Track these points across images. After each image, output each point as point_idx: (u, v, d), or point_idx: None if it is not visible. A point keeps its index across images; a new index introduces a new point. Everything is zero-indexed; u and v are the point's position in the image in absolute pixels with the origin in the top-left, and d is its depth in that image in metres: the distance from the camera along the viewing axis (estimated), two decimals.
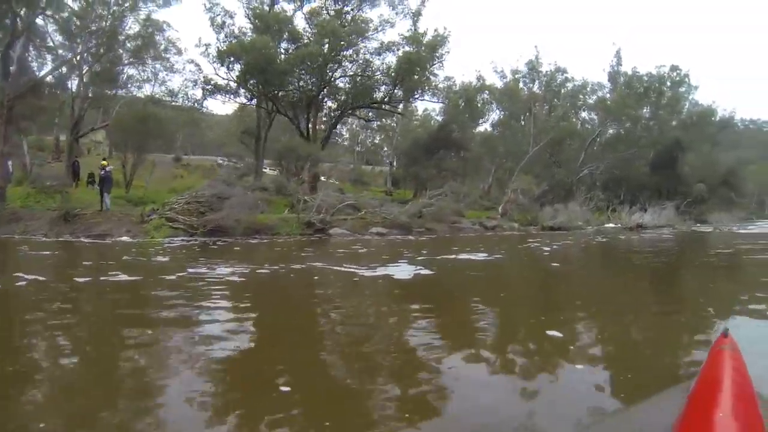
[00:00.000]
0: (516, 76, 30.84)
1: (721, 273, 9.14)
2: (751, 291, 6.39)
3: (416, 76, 20.63)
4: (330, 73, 20.60)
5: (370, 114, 27.81)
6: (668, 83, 33.21)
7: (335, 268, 7.49)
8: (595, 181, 27.79)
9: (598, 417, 2.28)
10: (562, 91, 30.80)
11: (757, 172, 46.88)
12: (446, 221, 17.14)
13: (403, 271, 7.26)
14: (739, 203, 37.63)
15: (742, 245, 14.18)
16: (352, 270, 7.28)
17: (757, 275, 8.64)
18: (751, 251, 12.34)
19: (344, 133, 41.18)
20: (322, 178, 22.38)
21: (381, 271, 7.12)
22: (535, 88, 30.76)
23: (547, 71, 30.36)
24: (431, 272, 7.32)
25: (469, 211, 19.84)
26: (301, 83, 20.67)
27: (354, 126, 39.16)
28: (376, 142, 42.47)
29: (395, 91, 21.79)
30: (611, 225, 20.43)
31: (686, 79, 33.59)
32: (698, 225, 25.28)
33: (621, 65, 32.66)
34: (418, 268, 7.52)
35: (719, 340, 2.39)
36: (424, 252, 10.13)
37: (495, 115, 31.64)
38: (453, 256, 9.44)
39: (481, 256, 9.76)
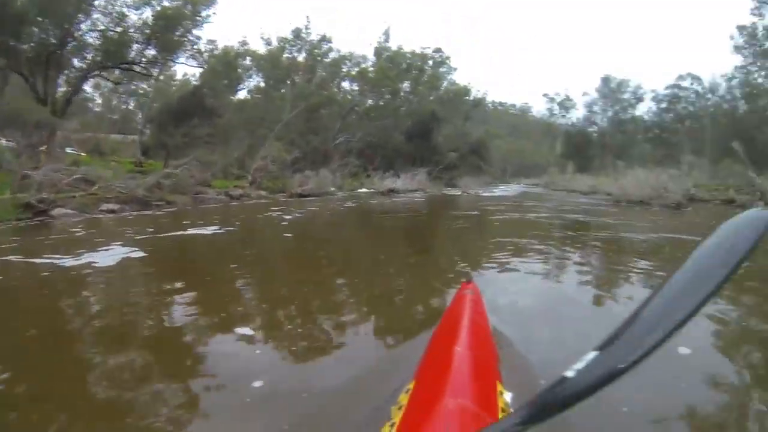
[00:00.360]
0: (281, 43, 29.80)
1: (467, 229, 10.11)
2: (494, 244, 7.41)
3: (174, 36, 18.31)
4: (77, 25, 16.89)
5: (120, 75, 23.47)
6: (430, 62, 36.68)
7: (32, 260, 5.52)
8: (351, 148, 28.98)
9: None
10: (325, 60, 31.02)
11: (502, 146, 56.93)
12: (189, 192, 15.24)
13: (111, 256, 5.68)
14: (486, 170, 45.29)
15: (485, 206, 15.74)
16: (52, 261, 5.35)
17: (499, 231, 9.59)
18: (494, 212, 13.54)
19: (97, 98, 34.64)
20: (66, 150, 18.07)
21: (86, 259, 5.44)
22: (301, 58, 30.29)
23: (311, 40, 29.99)
24: (144, 254, 5.87)
25: (216, 180, 18.21)
26: (42, 35, 16.41)
27: (107, 90, 33.15)
28: (131, 108, 37.02)
29: (150, 50, 19.04)
30: (364, 190, 21.25)
31: (447, 61, 37.18)
32: (449, 189, 27.78)
33: (388, 42, 34.67)
34: (133, 250, 6.09)
35: (463, 285, 2.54)
36: (151, 229, 8.42)
37: (254, 81, 30.42)
38: (181, 232, 8.25)
39: (210, 229, 8.54)
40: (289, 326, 3.32)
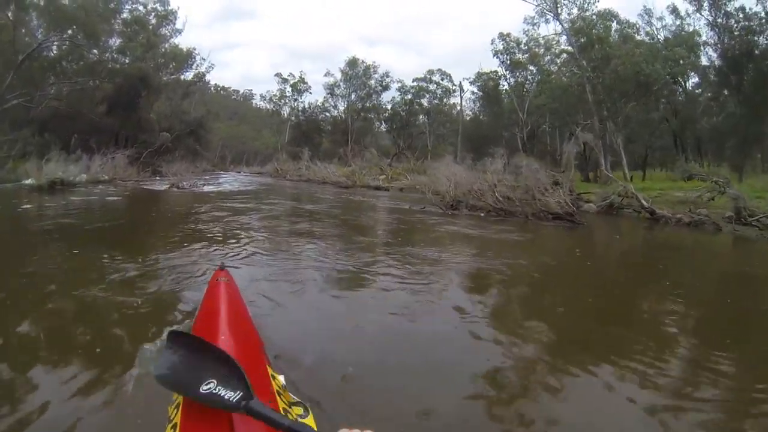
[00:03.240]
0: None
1: None
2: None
3: None
4: None
5: None
6: (153, 17, 29.59)
7: None
8: (32, 117, 20.43)
9: None
10: None
11: (222, 129, 52.69)
12: None
13: None
14: (204, 156, 40.27)
15: (214, 217, 8.99)
16: None
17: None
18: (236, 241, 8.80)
19: None
20: None
21: None
22: None
23: None
24: None
25: None
26: None
27: None
28: None
29: None
30: (29, 181, 13.99)
31: (172, 17, 30.65)
32: (154, 179, 21.81)
33: None
34: None
35: (216, 273, 2.44)
36: None
37: None
38: None
39: None
40: None
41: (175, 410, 1.22)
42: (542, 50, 30.63)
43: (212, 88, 54.93)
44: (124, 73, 24.69)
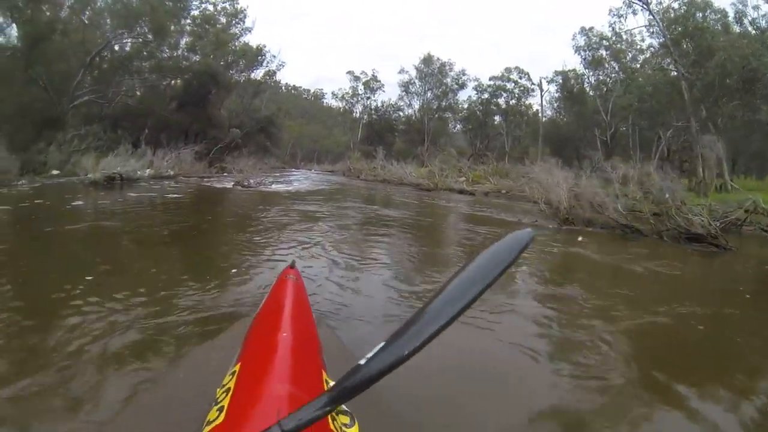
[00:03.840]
0: None
1: None
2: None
3: None
4: None
5: None
6: (222, 16, 29.83)
7: None
8: (104, 114, 20.73)
9: None
10: None
11: (294, 127, 53.17)
12: None
13: None
14: (274, 153, 40.35)
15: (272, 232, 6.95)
16: None
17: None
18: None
19: None
20: None
21: None
22: None
23: None
24: None
25: None
26: None
27: None
28: None
29: None
30: (89, 176, 13.53)
31: (242, 16, 30.51)
32: (224, 174, 20.43)
33: None
34: None
35: (285, 270, 2.41)
36: None
37: None
38: None
39: None
40: None
41: (224, 394, 1.20)
42: (624, 45, 27.01)
43: (283, 87, 55.69)
44: (192, 70, 24.48)
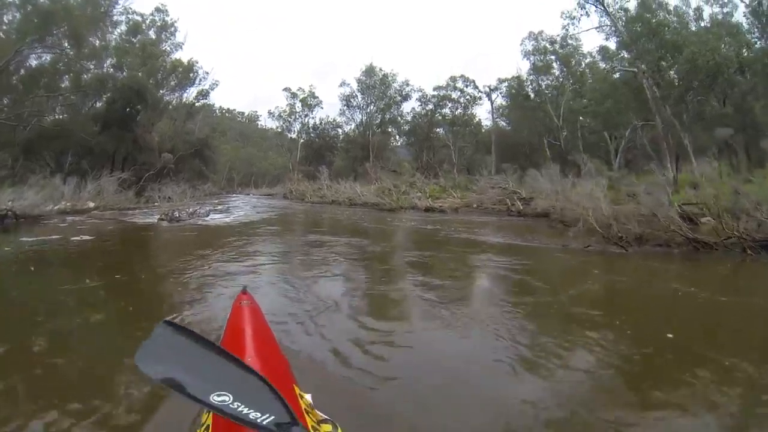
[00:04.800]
0: None
1: None
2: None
3: None
4: None
5: None
6: (152, 32, 27.52)
7: None
8: (16, 137, 17.82)
9: None
10: None
11: (228, 151, 50.51)
12: None
13: None
14: (210, 177, 37.57)
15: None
16: None
17: None
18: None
19: None
20: None
21: None
22: None
23: None
24: None
25: None
26: None
27: None
28: None
29: None
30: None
31: (172, 29, 28.29)
32: (155, 204, 17.90)
33: None
34: None
35: (239, 296, 2.38)
36: None
37: None
38: None
39: None
40: None
41: (207, 414, 1.25)
42: (570, 50, 27.99)
43: (217, 111, 52.75)
44: (115, 86, 21.81)
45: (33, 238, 8.83)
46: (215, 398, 0.99)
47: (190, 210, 14.14)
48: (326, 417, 1.40)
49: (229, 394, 1.00)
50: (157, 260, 7.56)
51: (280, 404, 1.02)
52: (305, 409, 1.34)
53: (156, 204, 16.79)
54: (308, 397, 1.52)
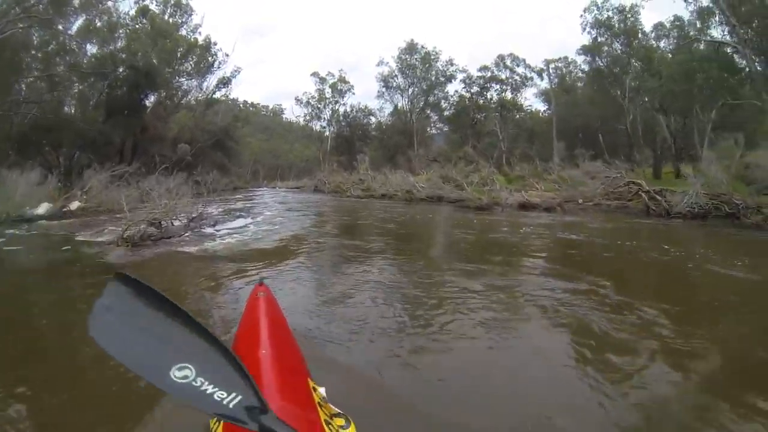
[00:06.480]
0: None
1: None
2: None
3: None
4: None
5: None
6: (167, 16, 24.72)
7: None
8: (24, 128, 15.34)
9: None
10: None
11: (254, 145, 48.37)
12: None
13: None
14: (233, 171, 34.61)
15: None
16: None
17: None
18: None
19: None
20: None
21: None
22: None
23: None
24: None
25: None
26: None
27: None
28: None
29: None
30: None
31: (189, 11, 25.79)
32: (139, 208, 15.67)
33: None
34: None
35: (255, 288, 2.34)
36: None
37: None
38: None
39: None
40: None
41: (217, 423, 1.18)
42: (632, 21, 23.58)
43: (241, 104, 49.77)
44: (115, 66, 18.90)
45: None
46: (176, 372, 0.87)
47: (185, 218, 8.62)
48: (339, 411, 1.33)
49: (192, 368, 0.89)
50: None
51: (248, 386, 0.89)
52: (318, 402, 1.29)
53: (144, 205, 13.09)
54: (322, 390, 1.45)
